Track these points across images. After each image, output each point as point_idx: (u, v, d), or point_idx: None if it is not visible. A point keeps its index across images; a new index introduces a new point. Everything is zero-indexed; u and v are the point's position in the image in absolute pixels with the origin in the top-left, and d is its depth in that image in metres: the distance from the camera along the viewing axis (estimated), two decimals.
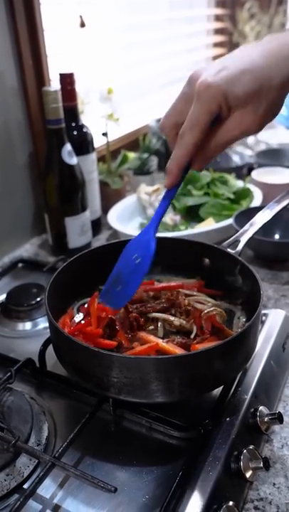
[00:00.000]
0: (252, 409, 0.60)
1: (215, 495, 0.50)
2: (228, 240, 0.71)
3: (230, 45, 2.38)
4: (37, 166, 1.13)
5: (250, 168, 1.39)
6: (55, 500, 0.51)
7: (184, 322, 0.65)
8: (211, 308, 0.65)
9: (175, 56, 1.93)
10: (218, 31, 2.33)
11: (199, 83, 0.50)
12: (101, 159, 1.30)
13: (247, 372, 0.65)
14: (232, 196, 1.19)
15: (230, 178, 1.25)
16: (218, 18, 2.31)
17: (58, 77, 1.03)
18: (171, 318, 0.65)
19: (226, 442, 0.55)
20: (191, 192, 1.20)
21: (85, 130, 1.09)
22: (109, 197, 1.25)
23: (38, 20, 1.04)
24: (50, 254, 1.10)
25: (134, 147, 1.54)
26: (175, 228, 1.13)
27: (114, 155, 1.39)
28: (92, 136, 1.11)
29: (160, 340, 0.61)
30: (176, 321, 0.65)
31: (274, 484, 0.55)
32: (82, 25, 1.32)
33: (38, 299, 0.84)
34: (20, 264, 1.01)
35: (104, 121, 1.21)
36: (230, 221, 1.03)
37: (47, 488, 0.52)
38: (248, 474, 0.53)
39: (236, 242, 0.70)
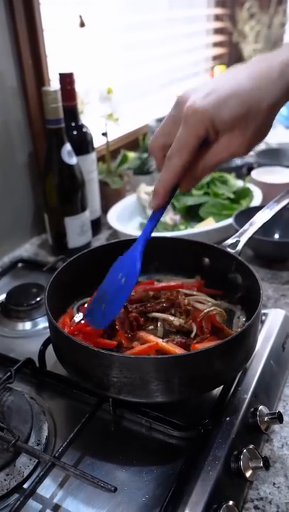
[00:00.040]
0: (252, 409, 0.60)
1: (215, 494, 0.50)
2: (228, 240, 0.71)
3: (230, 45, 2.38)
4: (37, 165, 1.13)
5: (250, 168, 1.39)
6: (55, 500, 0.51)
7: (183, 322, 0.65)
8: (211, 308, 0.65)
9: (175, 56, 1.93)
10: (217, 31, 2.33)
11: (187, 107, 0.50)
12: (101, 159, 1.30)
13: (247, 372, 0.65)
14: (232, 196, 1.19)
15: (230, 178, 1.25)
16: (217, 17, 2.31)
17: (58, 76, 1.03)
18: (171, 318, 0.65)
19: (226, 442, 0.55)
20: (190, 192, 1.20)
21: (84, 130, 1.09)
22: (109, 197, 1.25)
23: (37, 20, 1.04)
24: (49, 254, 1.10)
25: (134, 147, 1.54)
26: (175, 228, 1.13)
27: (114, 155, 1.39)
28: (91, 136, 1.11)
29: (160, 340, 0.61)
30: (176, 320, 0.65)
31: (274, 484, 0.55)
32: (82, 25, 1.32)
33: (38, 299, 0.84)
34: (20, 264, 1.01)
35: (104, 121, 1.21)
36: (230, 221, 1.03)
37: (47, 488, 0.52)
38: (248, 474, 0.53)
39: (236, 241, 0.70)
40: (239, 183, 1.24)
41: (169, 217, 1.15)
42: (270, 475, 0.56)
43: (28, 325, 0.81)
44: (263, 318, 0.76)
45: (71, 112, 1.05)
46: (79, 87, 1.09)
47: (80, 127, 1.09)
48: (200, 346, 0.59)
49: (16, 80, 1.04)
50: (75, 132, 1.08)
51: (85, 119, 1.12)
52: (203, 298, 0.70)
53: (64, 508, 0.50)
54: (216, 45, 2.35)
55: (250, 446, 0.55)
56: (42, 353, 0.67)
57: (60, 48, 1.23)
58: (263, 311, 0.78)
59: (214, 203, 1.15)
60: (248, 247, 0.99)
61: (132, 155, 1.39)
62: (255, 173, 1.29)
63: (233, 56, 2.41)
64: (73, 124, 1.07)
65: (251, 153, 1.56)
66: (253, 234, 0.70)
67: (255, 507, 0.53)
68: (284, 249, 0.99)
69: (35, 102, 1.08)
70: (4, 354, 0.72)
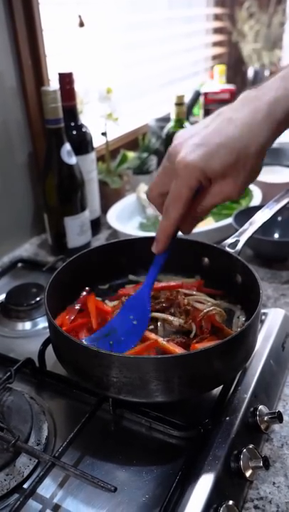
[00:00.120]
0: (252, 409, 0.60)
1: (215, 494, 0.50)
2: (228, 240, 0.71)
3: (230, 44, 2.38)
4: (36, 165, 1.13)
5: None
6: (55, 500, 0.51)
7: (183, 322, 0.65)
8: (211, 308, 0.65)
9: (174, 56, 1.93)
10: (217, 30, 2.33)
11: (178, 162, 0.52)
12: (100, 159, 1.30)
13: (246, 372, 0.65)
14: None
15: None
16: (217, 17, 2.31)
17: (57, 76, 1.03)
18: (171, 317, 0.65)
19: (226, 441, 0.55)
20: None
21: (84, 130, 1.09)
22: (109, 196, 1.25)
23: (37, 20, 1.04)
24: (49, 254, 1.10)
25: (134, 146, 1.54)
26: None
27: (114, 154, 1.39)
28: (91, 135, 1.11)
29: (161, 339, 0.61)
30: (176, 320, 0.65)
31: (274, 483, 0.55)
32: (81, 24, 1.32)
33: (38, 299, 0.84)
34: (19, 264, 1.01)
35: (104, 120, 1.21)
36: (229, 220, 1.03)
37: (47, 488, 0.52)
38: (248, 473, 0.53)
39: (236, 241, 0.70)
40: None
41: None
42: (270, 474, 0.56)
43: (27, 325, 0.81)
44: (263, 317, 0.76)
45: (71, 112, 1.05)
46: (78, 86, 1.09)
47: (79, 127, 1.09)
48: (200, 346, 0.59)
49: (15, 79, 1.04)
50: (74, 132, 1.07)
51: (84, 119, 1.12)
52: (203, 298, 0.70)
53: (64, 508, 0.50)
54: (216, 44, 2.35)
55: (250, 446, 0.55)
56: (42, 353, 0.67)
57: (59, 48, 1.23)
58: (262, 311, 0.78)
59: None
60: (248, 246, 0.99)
61: (131, 155, 1.39)
62: None
63: (232, 56, 2.42)
64: (73, 124, 1.07)
65: None
66: (253, 233, 0.70)
67: (255, 506, 0.53)
68: (283, 248, 0.99)
69: (35, 102, 1.08)
70: (4, 354, 0.72)
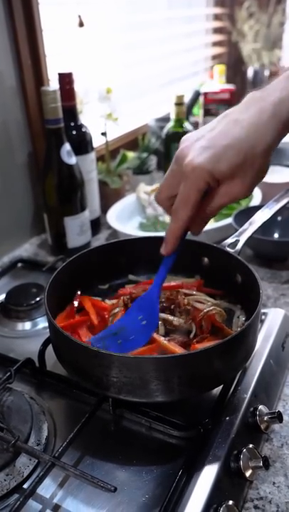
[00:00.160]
0: (251, 409, 0.60)
1: (215, 494, 0.50)
2: (228, 239, 0.71)
3: (229, 44, 2.38)
4: (36, 165, 1.13)
5: None
6: (55, 500, 0.51)
7: (183, 321, 0.65)
8: (211, 308, 0.65)
9: (174, 55, 1.93)
10: (217, 30, 2.33)
11: (185, 165, 0.52)
12: (100, 159, 1.30)
13: (246, 372, 0.65)
14: None
15: None
16: (217, 17, 2.31)
17: (57, 76, 1.03)
18: (171, 317, 0.65)
19: (226, 441, 0.55)
20: None
21: (84, 130, 1.09)
22: (109, 196, 1.25)
23: (36, 20, 1.04)
24: (49, 254, 1.10)
25: (134, 146, 1.54)
26: None
27: (114, 154, 1.39)
28: (91, 135, 1.11)
29: (162, 338, 0.61)
30: (176, 320, 0.65)
31: (274, 483, 0.55)
32: (81, 24, 1.32)
33: (38, 299, 0.84)
34: (19, 264, 1.01)
35: (104, 120, 1.21)
36: (229, 220, 1.03)
37: (47, 488, 0.52)
38: (248, 473, 0.53)
39: (236, 241, 0.70)
40: None
41: (169, 217, 1.14)
42: (270, 474, 0.56)
43: (27, 325, 0.81)
44: (263, 317, 0.76)
45: (70, 112, 1.05)
46: (78, 86, 1.09)
47: (79, 127, 1.09)
48: (200, 346, 0.59)
49: (15, 79, 1.04)
50: (74, 132, 1.07)
51: (84, 119, 1.12)
52: (203, 298, 0.70)
53: (64, 508, 0.50)
54: (215, 44, 2.35)
55: (250, 446, 0.55)
56: (42, 353, 0.67)
57: (59, 48, 1.23)
58: (262, 311, 0.78)
59: None
60: (248, 246, 0.99)
61: (131, 155, 1.39)
62: None
63: (232, 55, 2.41)
64: (72, 124, 1.07)
65: None
66: (253, 233, 0.70)
67: (255, 506, 0.53)
68: (283, 248, 0.99)
69: (35, 102, 1.08)
70: (4, 354, 0.72)
